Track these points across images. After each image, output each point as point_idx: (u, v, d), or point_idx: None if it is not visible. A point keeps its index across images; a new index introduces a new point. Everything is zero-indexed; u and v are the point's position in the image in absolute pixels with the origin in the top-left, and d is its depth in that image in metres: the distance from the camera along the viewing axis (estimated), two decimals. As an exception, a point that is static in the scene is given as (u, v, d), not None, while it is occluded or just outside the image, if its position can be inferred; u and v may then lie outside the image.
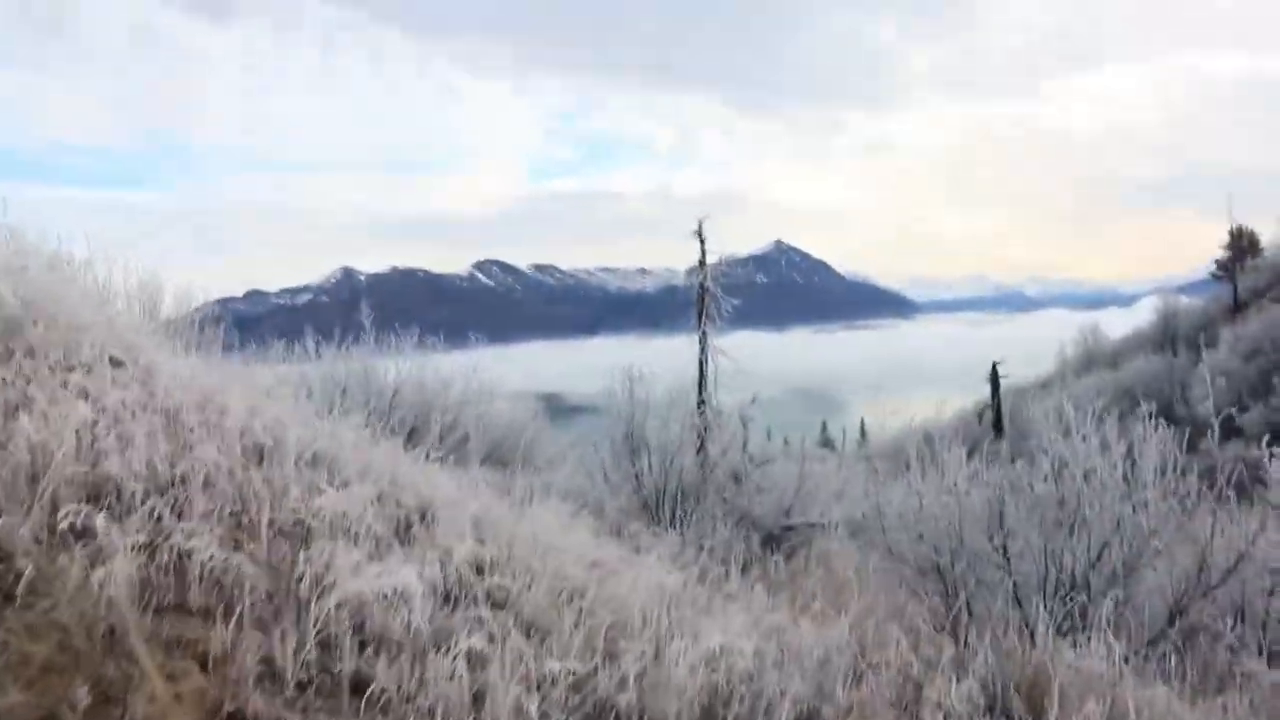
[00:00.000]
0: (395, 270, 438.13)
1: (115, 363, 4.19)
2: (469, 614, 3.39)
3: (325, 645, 2.93)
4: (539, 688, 3.11)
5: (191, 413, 3.91)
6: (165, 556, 2.94)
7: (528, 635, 3.42)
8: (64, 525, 2.85)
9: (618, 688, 3.26)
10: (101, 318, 4.61)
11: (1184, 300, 40.29)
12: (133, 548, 2.85)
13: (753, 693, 3.52)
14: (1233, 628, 5.06)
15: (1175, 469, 5.56)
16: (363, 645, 3.02)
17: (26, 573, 2.63)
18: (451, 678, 2.92)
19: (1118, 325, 43.54)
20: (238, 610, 2.81)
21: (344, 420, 5.05)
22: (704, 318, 10.31)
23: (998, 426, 28.42)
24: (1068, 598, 5.08)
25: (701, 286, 10.37)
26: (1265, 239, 38.70)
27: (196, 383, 4.37)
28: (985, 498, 5.92)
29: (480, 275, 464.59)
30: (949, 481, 6.02)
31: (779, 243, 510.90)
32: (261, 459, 3.87)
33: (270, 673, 2.77)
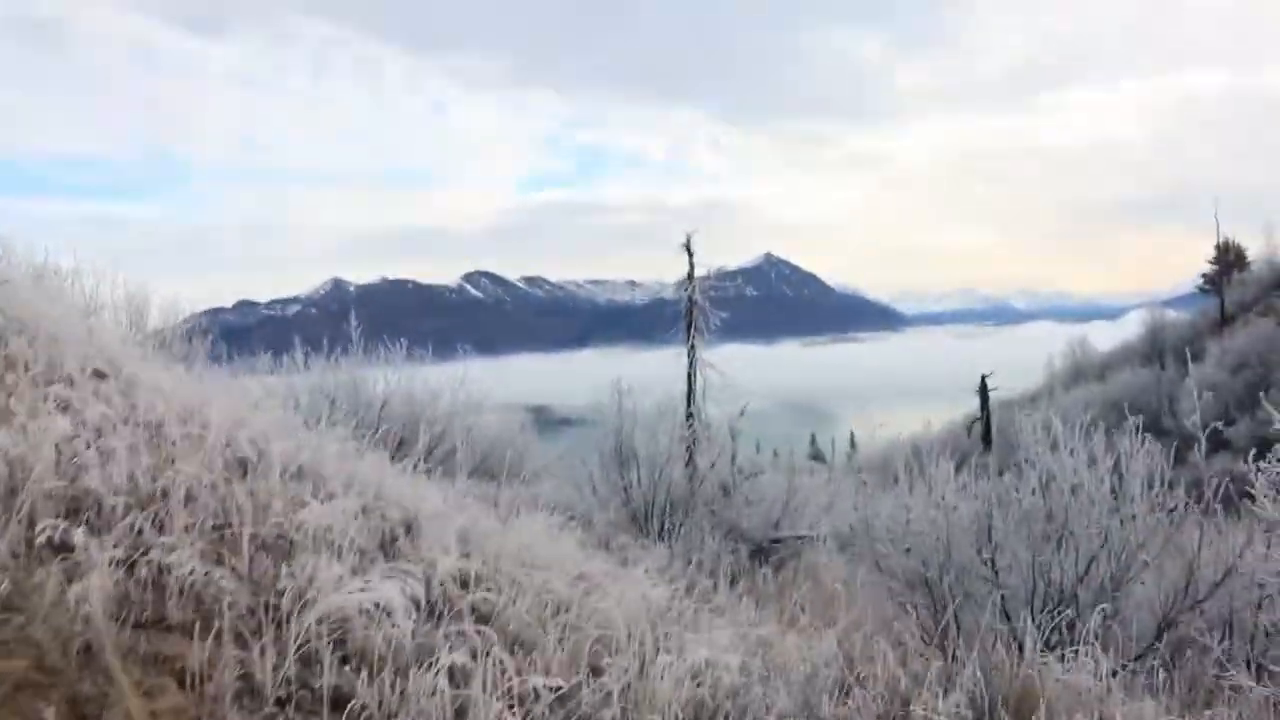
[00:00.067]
0: (385, 281, 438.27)
1: (99, 375, 4.16)
2: (452, 628, 3.36)
3: (306, 661, 2.90)
4: (522, 703, 3.08)
5: (174, 425, 3.88)
6: (144, 571, 2.90)
7: (512, 650, 3.39)
8: (41, 540, 2.82)
9: (602, 703, 3.24)
10: (86, 330, 4.58)
11: (1171, 314, 40.60)
12: (111, 562, 2.82)
13: (738, 707, 3.50)
14: (1221, 641, 5.06)
15: (1163, 482, 5.56)
16: (344, 661, 2.99)
17: (2, 588, 2.59)
18: (433, 693, 2.88)
19: (1106, 338, 43.82)
20: (217, 625, 2.77)
21: (331, 432, 5.00)
22: (692, 331, 10.33)
23: (987, 439, 28.45)
24: (1055, 611, 5.07)
25: (690, 300, 10.40)
26: (1252, 253, 39.11)
27: (180, 395, 4.34)
28: (973, 511, 5.91)
29: (469, 287, 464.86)
30: (937, 495, 6.02)
31: (769, 255, 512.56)
32: (245, 472, 3.83)
33: (249, 689, 2.73)
